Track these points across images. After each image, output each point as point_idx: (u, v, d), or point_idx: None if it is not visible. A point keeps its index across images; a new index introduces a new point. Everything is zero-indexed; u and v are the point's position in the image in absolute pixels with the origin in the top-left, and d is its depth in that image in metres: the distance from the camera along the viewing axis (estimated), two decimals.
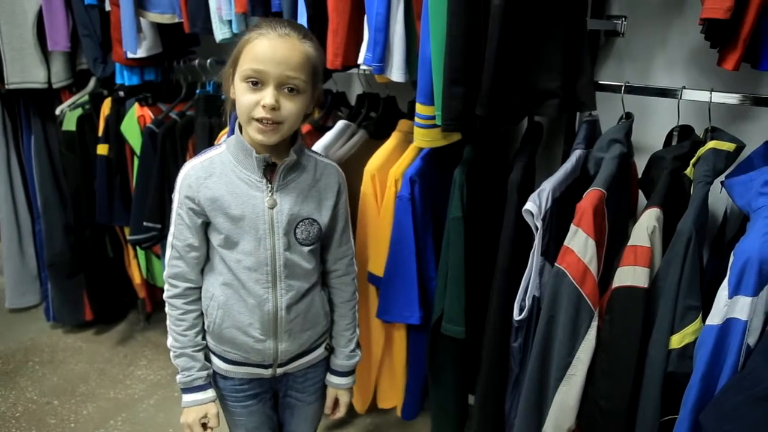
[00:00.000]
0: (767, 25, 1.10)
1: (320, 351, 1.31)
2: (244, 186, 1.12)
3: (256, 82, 1.04)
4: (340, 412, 1.37)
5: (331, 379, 1.34)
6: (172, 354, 1.21)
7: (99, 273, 2.55)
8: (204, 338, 1.23)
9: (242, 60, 1.05)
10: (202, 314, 1.22)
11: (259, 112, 1.04)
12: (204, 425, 1.22)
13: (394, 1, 1.40)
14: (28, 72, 2.31)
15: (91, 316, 2.61)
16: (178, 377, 1.21)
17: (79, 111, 2.37)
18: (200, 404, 1.21)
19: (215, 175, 1.12)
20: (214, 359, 1.25)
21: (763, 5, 1.07)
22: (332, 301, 1.31)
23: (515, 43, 1.20)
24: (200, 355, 1.22)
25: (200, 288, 1.21)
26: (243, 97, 1.05)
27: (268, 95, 1.03)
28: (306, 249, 1.18)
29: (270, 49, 1.03)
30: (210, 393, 1.22)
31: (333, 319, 1.31)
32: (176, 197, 1.15)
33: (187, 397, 1.22)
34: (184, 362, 1.20)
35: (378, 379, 1.75)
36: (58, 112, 2.42)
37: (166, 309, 1.21)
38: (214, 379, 1.26)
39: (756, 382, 0.93)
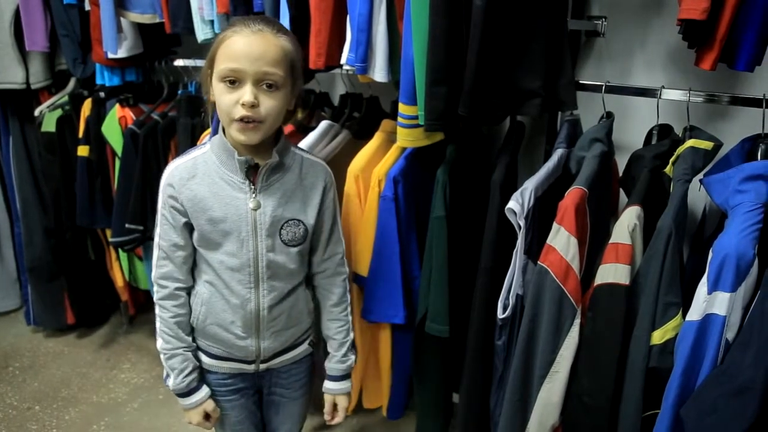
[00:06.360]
0: (742, 26, 1.11)
1: (304, 347, 1.31)
2: (227, 187, 1.11)
3: (234, 81, 1.02)
4: (339, 417, 1.34)
5: (327, 384, 1.33)
6: (163, 356, 1.19)
7: (80, 276, 2.53)
8: (194, 339, 1.23)
9: (218, 60, 1.04)
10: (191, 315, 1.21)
11: (239, 112, 1.02)
12: (207, 416, 1.24)
13: (377, 1, 1.40)
14: (6, 72, 2.28)
15: (72, 319, 2.59)
16: (173, 381, 1.19)
17: (58, 112, 2.34)
18: (200, 404, 1.22)
19: (198, 176, 1.12)
20: (198, 353, 1.24)
21: (738, 7, 1.09)
22: (322, 303, 1.30)
23: (497, 43, 1.20)
24: (190, 355, 1.20)
25: (190, 289, 1.20)
26: (221, 97, 1.04)
27: (246, 93, 1.02)
28: (293, 250, 1.17)
29: (245, 46, 1.01)
30: (205, 389, 1.23)
31: (324, 322, 1.31)
32: (160, 197, 1.15)
33: (186, 401, 1.21)
34: (177, 363, 1.18)
35: (363, 379, 1.75)
36: (37, 113, 2.39)
37: (156, 311, 1.19)
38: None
39: (734, 377, 0.95)
